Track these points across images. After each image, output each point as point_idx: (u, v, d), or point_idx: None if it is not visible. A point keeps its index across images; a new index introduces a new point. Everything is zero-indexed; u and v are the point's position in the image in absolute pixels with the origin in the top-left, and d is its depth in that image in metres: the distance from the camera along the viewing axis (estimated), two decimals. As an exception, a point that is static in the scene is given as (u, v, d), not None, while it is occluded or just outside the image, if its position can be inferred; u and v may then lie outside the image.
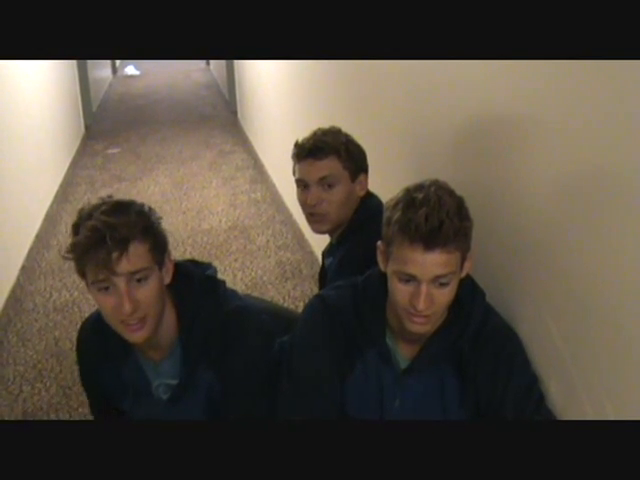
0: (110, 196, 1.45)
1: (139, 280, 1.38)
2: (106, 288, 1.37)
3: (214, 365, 1.52)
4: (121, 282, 1.35)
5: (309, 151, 1.82)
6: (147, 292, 1.39)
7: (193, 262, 1.62)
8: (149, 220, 1.43)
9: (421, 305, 1.31)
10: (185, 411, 1.55)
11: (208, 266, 1.61)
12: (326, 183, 1.81)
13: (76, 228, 1.38)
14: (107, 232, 1.33)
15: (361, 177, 1.87)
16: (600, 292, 1.22)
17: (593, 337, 1.25)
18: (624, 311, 1.16)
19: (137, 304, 1.37)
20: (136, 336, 1.42)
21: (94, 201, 1.43)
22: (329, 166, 1.81)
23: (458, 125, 1.73)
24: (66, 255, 1.38)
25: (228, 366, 1.51)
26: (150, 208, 1.46)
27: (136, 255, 1.36)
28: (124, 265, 1.34)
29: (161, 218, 1.47)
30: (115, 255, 1.33)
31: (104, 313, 1.42)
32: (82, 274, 1.39)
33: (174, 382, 1.55)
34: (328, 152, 1.81)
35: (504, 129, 1.50)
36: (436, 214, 1.28)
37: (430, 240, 1.27)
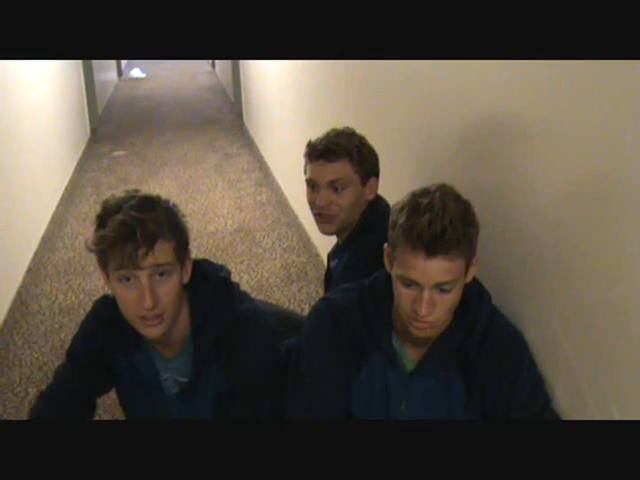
0: (137, 190, 1.45)
1: (161, 274, 1.39)
2: (127, 279, 1.37)
3: (223, 365, 1.52)
4: (144, 276, 1.36)
5: (321, 152, 1.80)
6: (168, 289, 1.40)
7: (208, 262, 1.62)
8: (176, 218, 1.44)
9: (423, 311, 1.31)
10: (192, 408, 1.56)
11: (221, 267, 1.62)
12: (336, 186, 1.80)
13: (102, 220, 1.39)
14: (137, 227, 1.33)
15: (372, 181, 1.85)
16: (606, 294, 1.21)
17: (599, 339, 1.25)
18: (630, 313, 1.16)
19: (157, 299, 1.38)
20: (153, 331, 1.42)
21: (120, 194, 1.43)
22: (340, 169, 1.80)
23: (464, 128, 1.72)
24: (90, 247, 1.39)
25: (235, 366, 1.51)
26: (174, 204, 1.47)
27: (161, 252, 1.37)
28: (149, 260, 1.36)
29: (184, 216, 1.48)
30: (142, 251, 1.34)
31: (123, 307, 1.43)
32: (104, 266, 1.40)
33: (184, 379, 1.56)
34: (340, 155, 1.79)
35: (511, 133, 1.50)
36: (439, 221, 1.27)
37: (432, 247, 1.27)
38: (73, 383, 1.59)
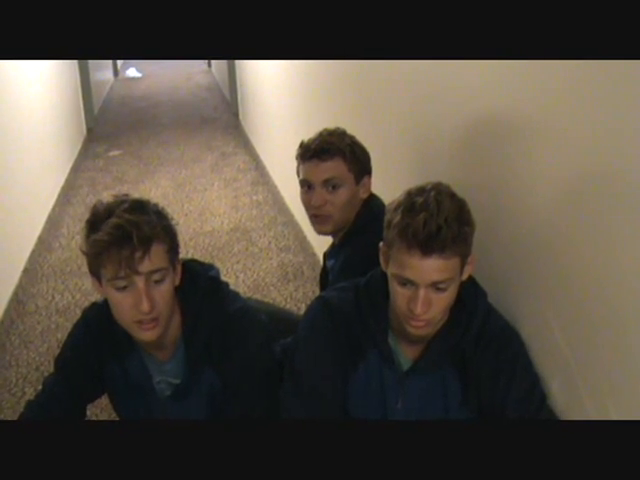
0: (126, 194, 1.46)
1: (156, 281, 1.39)
2: (124, 287, 1.37)
3: (215, 365, 1.52)
4: (140, 281, 1.36)
5: (314, 152, 1.81)
6: (163, 292, 1.41)
7: (196, 262, 1.63)
8: (167, 220, 1.45)
9: (418, 309, 1.31)
10: (186, 409, 1.56)
11: (211, 267, 1.62)
12: (330, 185, 1.81)
13: (93, 225, 1.38)
14: (133, 230, 1.33)
15: (365, 179, 1.87)
16: (602, 293, 1.22)
17: (595, 337, 1.25)
18: (626, 311, 1.16)
19: (154, 303, 1.38)
20: (148, 335, 1.42)
21: (108, 199, 1.43)
22: (334, 168, 1.81)
23: (461, 127, 1.73)
24: (83, 251, 1.39)
25: (229, 366, 1.51)
26: (163, 208, 1.47)
27: (156, 255, 1.38)
28: (146, 264, 1.36)
29: (174, 220, 1.48)
30: (139, 254, 1.34)
31: (118, 312, 1.42)
32: (96, 271, 1.40)
33: (176, 381, 1.56)
34: (333, 153, 1.80)
35: (507, 132, 1.50)
36: (434, 220, 1.28)
37: (427, 246, 1.27)
38: (62, 393, 1.58)
